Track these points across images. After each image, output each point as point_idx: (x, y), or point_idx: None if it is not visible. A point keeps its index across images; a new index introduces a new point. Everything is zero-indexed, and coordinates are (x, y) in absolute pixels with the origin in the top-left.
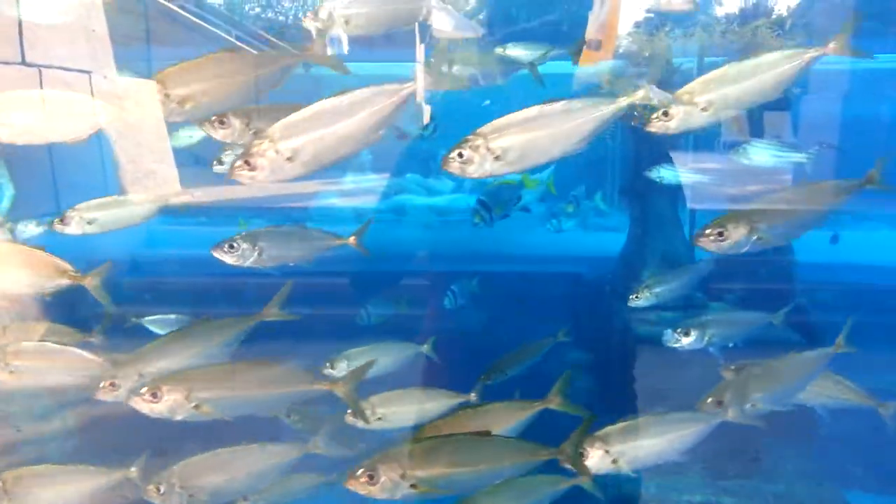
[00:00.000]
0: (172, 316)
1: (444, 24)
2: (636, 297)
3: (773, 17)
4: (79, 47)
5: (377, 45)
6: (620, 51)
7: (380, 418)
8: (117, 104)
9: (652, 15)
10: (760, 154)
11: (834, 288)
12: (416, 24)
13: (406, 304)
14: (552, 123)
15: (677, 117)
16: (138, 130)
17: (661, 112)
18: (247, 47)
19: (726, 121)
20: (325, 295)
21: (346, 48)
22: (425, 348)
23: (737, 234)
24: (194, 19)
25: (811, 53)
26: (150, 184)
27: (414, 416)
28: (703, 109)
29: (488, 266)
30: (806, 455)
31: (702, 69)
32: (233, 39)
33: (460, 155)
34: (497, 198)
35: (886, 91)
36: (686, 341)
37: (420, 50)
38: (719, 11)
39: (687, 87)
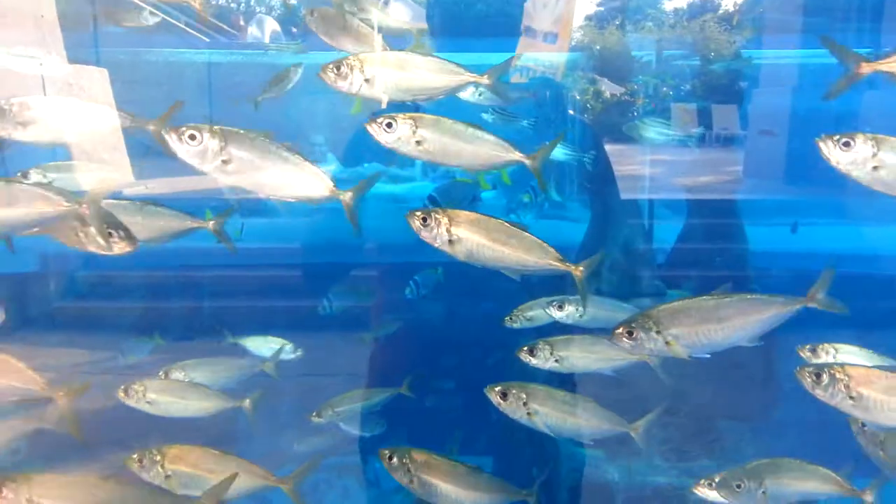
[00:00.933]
0: (271, 338)
1: (402, 13)
2: (510, 320)
3: (721, 12)
4: (27, 32)
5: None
6: (573, 43)
7: (149, 402)
8: (68, 92)
9: (602, 9)
10: (648, 131)
11: (788, 275)
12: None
13: (367, 294)
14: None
15: None
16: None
17: None
18: (196, 34)
19: (676, 114)
20: (287, 286)
21: (267, 36)
22: (267, 366)
23: None
24: (142, 4)
25: None
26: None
27: (180, 408)
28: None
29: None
30: (764, 436)
31: (661, 62)
32: (182, 25)
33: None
34: (449, 195)
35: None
36: (558, 315)
37: (378, 39)
38: (668, 6)
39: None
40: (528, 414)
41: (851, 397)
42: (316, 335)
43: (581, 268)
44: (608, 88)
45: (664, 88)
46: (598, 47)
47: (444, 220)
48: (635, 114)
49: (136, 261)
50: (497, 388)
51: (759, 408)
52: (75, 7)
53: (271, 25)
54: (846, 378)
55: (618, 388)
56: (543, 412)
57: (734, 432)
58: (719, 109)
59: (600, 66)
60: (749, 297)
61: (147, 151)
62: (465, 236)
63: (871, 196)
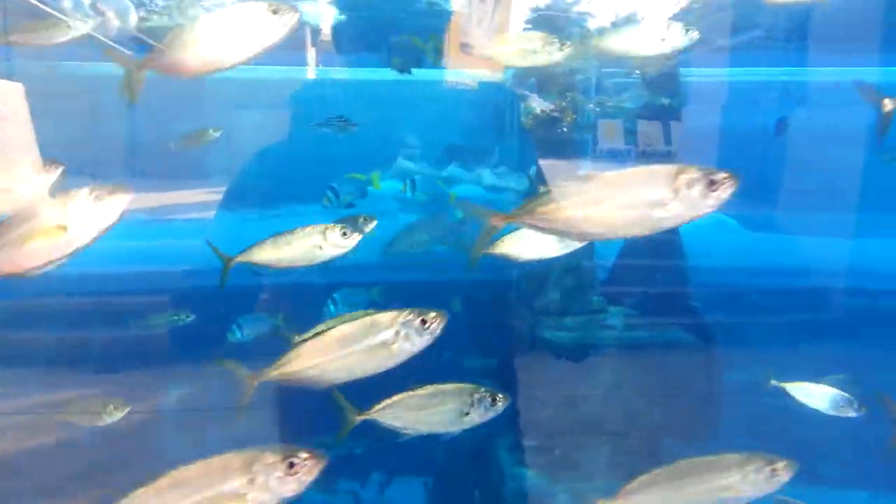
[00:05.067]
0: None
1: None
2: None
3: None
4: None
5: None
6: None
7: None
8: None
9: (529, 26)
10: None
11: (726, 290)
12: (308, 28)
13: (284, 318)
14: None
15: None
16: (6, 138)
17: None
18: (115, 45)
19: (602, 129)
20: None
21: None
22: None
23: None
24: (57, 14)
25: None
26: (20, 194)
27: None
28: None
29: (388, 276)
30: (708, 452)
31: (600, 79)
32: (101, 37)
33: None
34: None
35: (761, 103)
36: None
37: (311, 53)
38: (592, 23)
39: None
40: None
41: None
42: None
43: None
44: (538, 105)
45: (590, 105)
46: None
47: None
48: (565, 129)
49: (58, 287)
50: None
51: (701, 424)
52: None
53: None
54: None
55: (572, 408)
56: None
57: (677, 450)
58: (644, 126)
59: (535, 82)
60: None
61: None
62: None
63: (805, 210)
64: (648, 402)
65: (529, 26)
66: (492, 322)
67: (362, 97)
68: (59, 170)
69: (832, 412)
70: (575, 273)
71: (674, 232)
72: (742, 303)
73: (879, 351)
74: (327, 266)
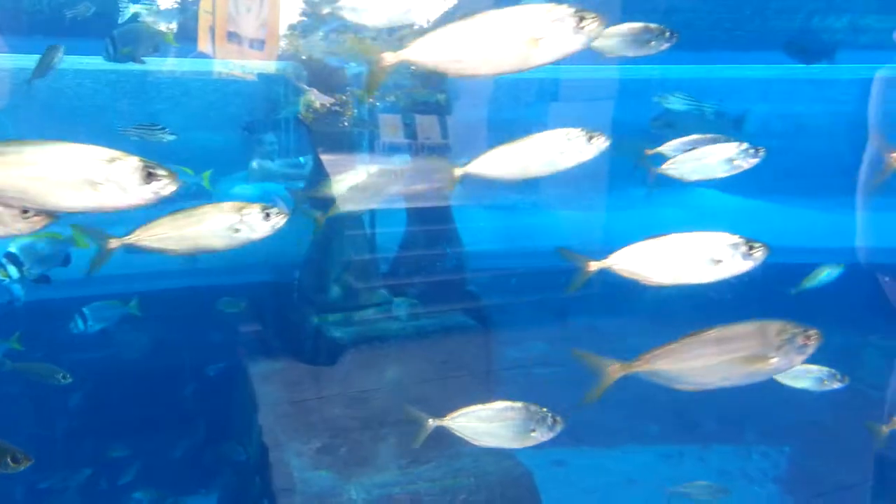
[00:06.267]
0: None
1: None
2: None
3: (416, 27)
4: None
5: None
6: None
7: None
8: None
9: (305, 18)
10: None
11: (498, 273)
12: None
13: (18, 339)
14: None
15: None
16: None
17: None
18: None
19: (383, 124)
20: None
21: None
22: None
23: None
24: None
25: None
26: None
27: None
28: None
29: (144, 285)
30: None
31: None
32: None
33: None
34: (33, 252)
35: (525, 98)
36: None
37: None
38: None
39: None
40: None
41: None
42: None
43: None
44: (318, 98)
45: (370, 99)
46: (304, 57)
47: None
48: (345, 124)
49: None
50: None
51: (480, 401)
52: None
53: None
54: None
55: (360, 403)
56: None
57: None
58: (422, 120)
59: (310, 76)
60: None
61: None
62: None
63: (565, 194)
64: (433, 387)
65: (304, 18)
66: (274, 325)
67: (115, 88)
68: None
69: (818, 388)
70: (356, 268)
71: (448, 220)
72: (510, 284)
73: (624, 319)
74: (69, 280)
